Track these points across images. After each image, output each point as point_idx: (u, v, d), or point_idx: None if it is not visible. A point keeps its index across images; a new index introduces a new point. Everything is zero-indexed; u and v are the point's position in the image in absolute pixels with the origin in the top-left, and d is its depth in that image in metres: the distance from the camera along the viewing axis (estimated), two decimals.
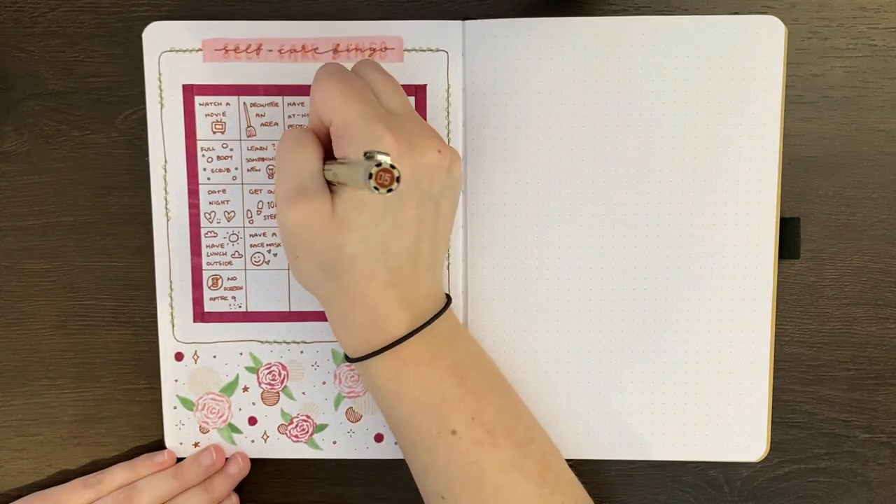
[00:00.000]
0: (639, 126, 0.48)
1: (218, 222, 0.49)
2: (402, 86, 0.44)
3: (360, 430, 0.50)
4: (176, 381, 0.50)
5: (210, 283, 0.49)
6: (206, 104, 0.48)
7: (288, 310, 0.50)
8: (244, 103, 0.48)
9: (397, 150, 0.39)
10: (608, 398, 0.49)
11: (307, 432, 0.50)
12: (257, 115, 0.48)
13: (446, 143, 0.43)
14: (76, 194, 0.49)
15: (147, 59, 0.48)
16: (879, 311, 0.50)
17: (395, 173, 0.33)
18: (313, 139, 0.42)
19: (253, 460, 0.50)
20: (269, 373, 0.50)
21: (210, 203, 0.49)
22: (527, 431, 0.45)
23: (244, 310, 0.50)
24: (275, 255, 0.49)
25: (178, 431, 0.50)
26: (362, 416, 0.50)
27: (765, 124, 0.47)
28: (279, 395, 0.50)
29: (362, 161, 0.35)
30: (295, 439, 0.50)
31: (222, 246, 0.49)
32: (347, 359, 0.44)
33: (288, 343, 0.50)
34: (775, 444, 0.50)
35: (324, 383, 0.50)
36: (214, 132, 0.48)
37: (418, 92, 0.48)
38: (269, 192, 0.49)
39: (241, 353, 0.50)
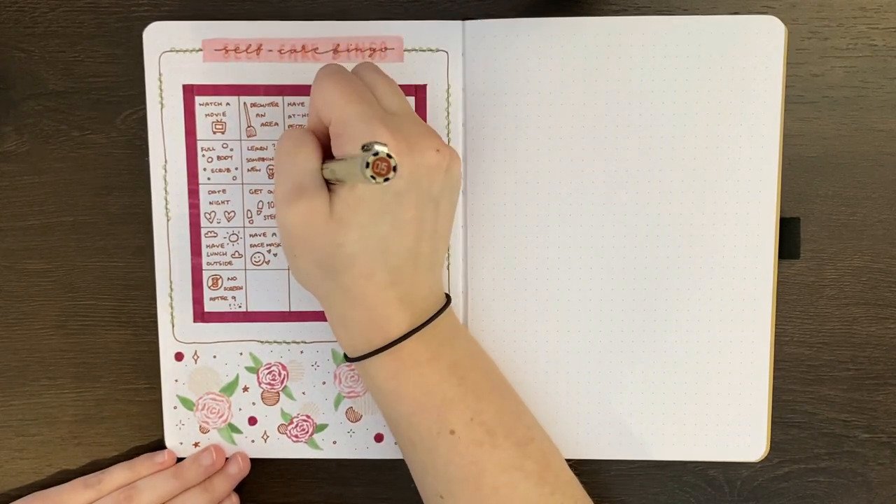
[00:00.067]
0: (639, 126, 0.48)
1: (218, 222, 0.49)
2: (402, 86, 0.44)
3: (360, 430, 0.50)
4: (176, 381, 0.50)
5: (210, 283, 0.49)
6: (207, 104, 0.48)
7: (288, 310, 0.50)
8: (244, 103, 0.48)
9: (396, 149, 0.39)
10: (608, 398, 0.49)
11: (307, 432, 0.50)
12: (257, 115, 0.48)
13: (445, 142, 0.43)
14: (76, 194, 0.49)
15: (147, 59, 0.48)
16: (879, 311, 0.50)
17: (392, 162, 0.33)
18: (312, 139, 0.42)
19: (253, 460, 0.50)
20: (269, 373, 0.50)
21: (210, 203, 0.49)
22: (526, 431, 0.45)
23: (244, 310, 0.50)
24: (275, 255, 0.49)
25: (178, 431, 0.50)
26: (362, 416, 0.50)
27: (765, 124, 0.47)
28: (279, 395, 0.50)
29: (360, 153, 0.35)
30: (295, 439, 0.50)
31: (222, 246, 0.49)
32: (347, 358, 0.44)
33: (288, 343, 0.50)
34: (775, 444, 0.50)
35: (324, 383, 0.50)
36: (214, 132, 0.48)
37: (418, 92, 0.48)
38: (269, 192, 0.49)
39: (241, 353, 0.50)
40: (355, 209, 0.40)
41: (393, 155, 0.34)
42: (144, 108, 0.48)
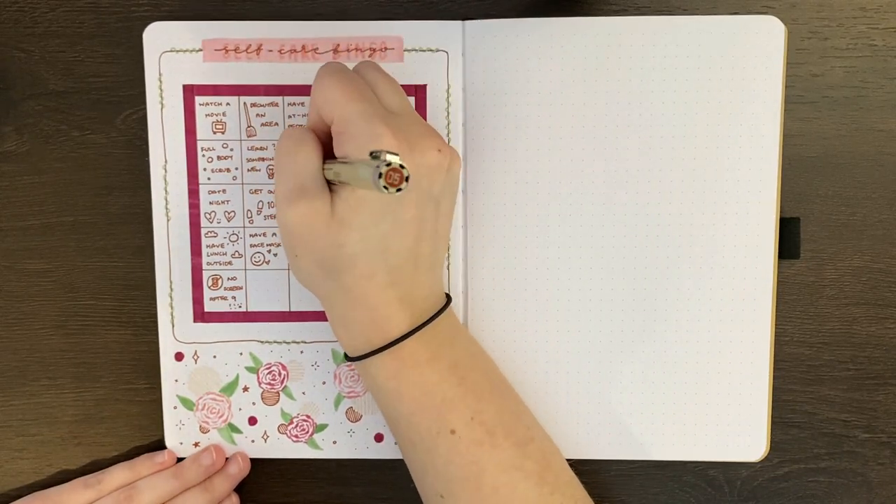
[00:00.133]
0: (639, 126, 0.48)
1: (218, 222, 0.49)
2: (403, 86, 0.44)
3: (360, 430, 0.50)
4: (176, 381, 0.50)
5: (210, 283, 0.49)
6: (207, 104, 0.48)
7: (288, 310, 0.50)
8: (244, 103, 0.48)
9: (397, 149, 0.39)
10: (608, 398, 0.49)
11: (307, 432, 0.50)
12: (257, 115, 0.48)
13: (446, 142, 0.43)
14: (76, 194, 0.49)
15: (147, 59, 0.48)
16: (879, 311, 0.50)
17: (405, 173, 0.33)
18: (313, 138, 0.42)
19: (253, 460, 0.50)
20: (269, 373, 0.50)
21: (210, 203, 0.49)
22: (527, 431, 0.45)
23: (244, 310, 0.50)
24: (275, 255, 0.49)
25: (179, 431, 0.50)
26: (362, 416, 0.50)
27: (765, 124, 0.47)
28: (279, 395, 0.50)
29: (369, 161, 0.35)
30: (295, 439, 0.50)
31: (222, 246, 0.49)
32: (347, 358, 0.44)
33: (288, 343, 0.50)
34: (775, 444, 0.50)
35: (324, 383, 0.50)
36: (215, 132, 0.49)
37: (418, 92, 0.48)
38: (270, 192, 0.49)
39: (241, 353, 0.50)
40: (357, 210, 0.40)
41: (398, 160, 0.34)
42: (144, 108, 0.48)
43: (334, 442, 0.50)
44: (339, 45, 0.48)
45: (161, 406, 0.50)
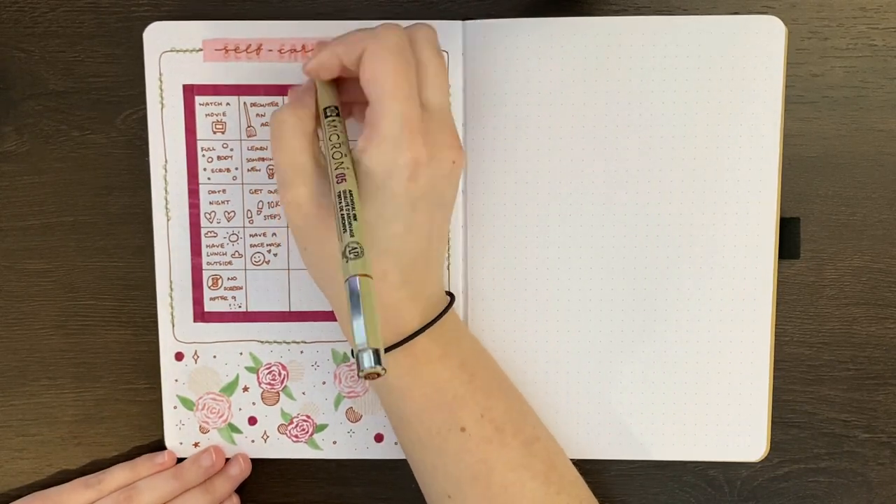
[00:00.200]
0: (639, 126, 0.48)
1: (218, 222, 0.49)
2: None
3: (360, 430, 0.50)
4: (176, 381, 0.50)
5: (210, 283, 0.49)
6: (207, 104, 0.48)
7: (288, 310, 0.50)
8: (244, 103, 0.48)
9: (415, 162, 0.39)
10: (608, 398, 0.49)
11: (307, 432, 0.50)
12: (257, 115, 0.48)
13: (462, 149, 0.43)
14: (76, 194, 0.49)
15: (147, 59, 0.48)
16: (879, 311, 0.50)
17: (381, 372, 0.36)
18: (297, 122, 0.41)
19: (253, 460, 0.50)
20: (269, 373, 0.50)
21: (210, 203, 0.49)
22: (533, 430, 0.45)
23: (244, 310, 0.50)
24: (275, 255, 0.49)
25: (179, 431, 0.50)
26: (362, 416, 0.50)
27: (765, 124, 0.47)
28: (279, 395, 0.50)
29: (348, 280, 0.37)
30: (295, 439, 0.50)
31: (222, 246, 0.49)
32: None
33: (288, 343, 0.50)
34: (775, 444, 0.50)
35: (324, 383, 0.50)
36: (215, 132, 0.48)
37: None
38: (270, 192, 0.49)
39: (241, 353, 0.50)
40: (362, 210, 0.40)
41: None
42: (144, 108, 0.48)
43: (334, 442, 0.50)
44: None
45: (161, 406, 0.50)
